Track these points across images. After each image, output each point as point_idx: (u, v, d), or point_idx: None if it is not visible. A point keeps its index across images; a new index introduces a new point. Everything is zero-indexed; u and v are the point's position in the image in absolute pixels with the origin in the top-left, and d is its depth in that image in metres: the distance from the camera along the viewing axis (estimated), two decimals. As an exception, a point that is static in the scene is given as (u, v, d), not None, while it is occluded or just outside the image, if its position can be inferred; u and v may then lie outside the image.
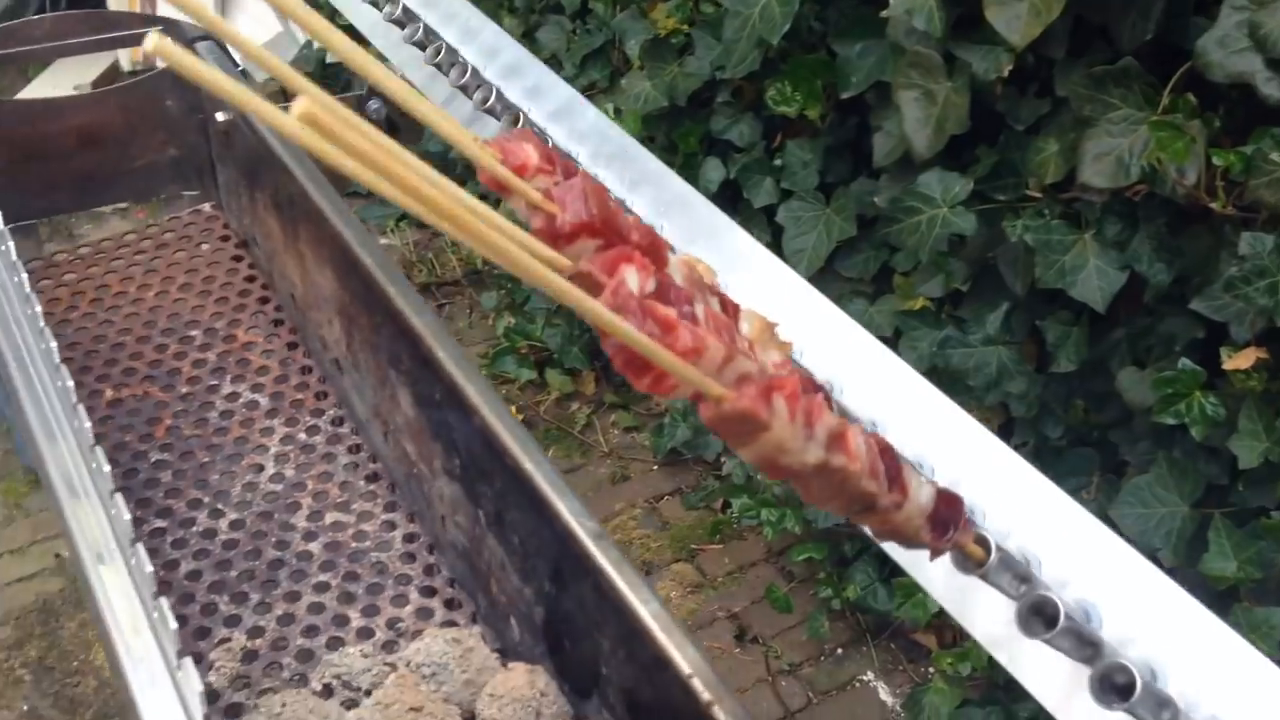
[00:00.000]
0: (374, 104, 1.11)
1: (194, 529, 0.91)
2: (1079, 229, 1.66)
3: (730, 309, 0.59)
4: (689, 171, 2.38)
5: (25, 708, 2.15)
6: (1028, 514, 0.61)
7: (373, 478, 0.96)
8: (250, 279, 1.11)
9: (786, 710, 2.25)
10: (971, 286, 1.95)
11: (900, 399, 0.67)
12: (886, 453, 0.55)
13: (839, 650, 2.34)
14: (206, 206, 1.20)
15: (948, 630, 2.28)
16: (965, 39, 1.69)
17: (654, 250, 0.55)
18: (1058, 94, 1.66)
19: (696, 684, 0.65)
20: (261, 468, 0.95)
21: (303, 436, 0.98)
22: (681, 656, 0.66)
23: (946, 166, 1.84)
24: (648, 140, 2.50)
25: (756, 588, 2.40)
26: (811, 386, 0.61)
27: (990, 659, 2.08)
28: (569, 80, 2.66)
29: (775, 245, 2.28)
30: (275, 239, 1.08)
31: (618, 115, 2.45)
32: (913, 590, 2.16)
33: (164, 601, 0.60)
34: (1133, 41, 1.52)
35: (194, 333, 1.06)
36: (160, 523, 0.90)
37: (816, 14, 2.07)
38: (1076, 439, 1.88)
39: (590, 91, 2.68)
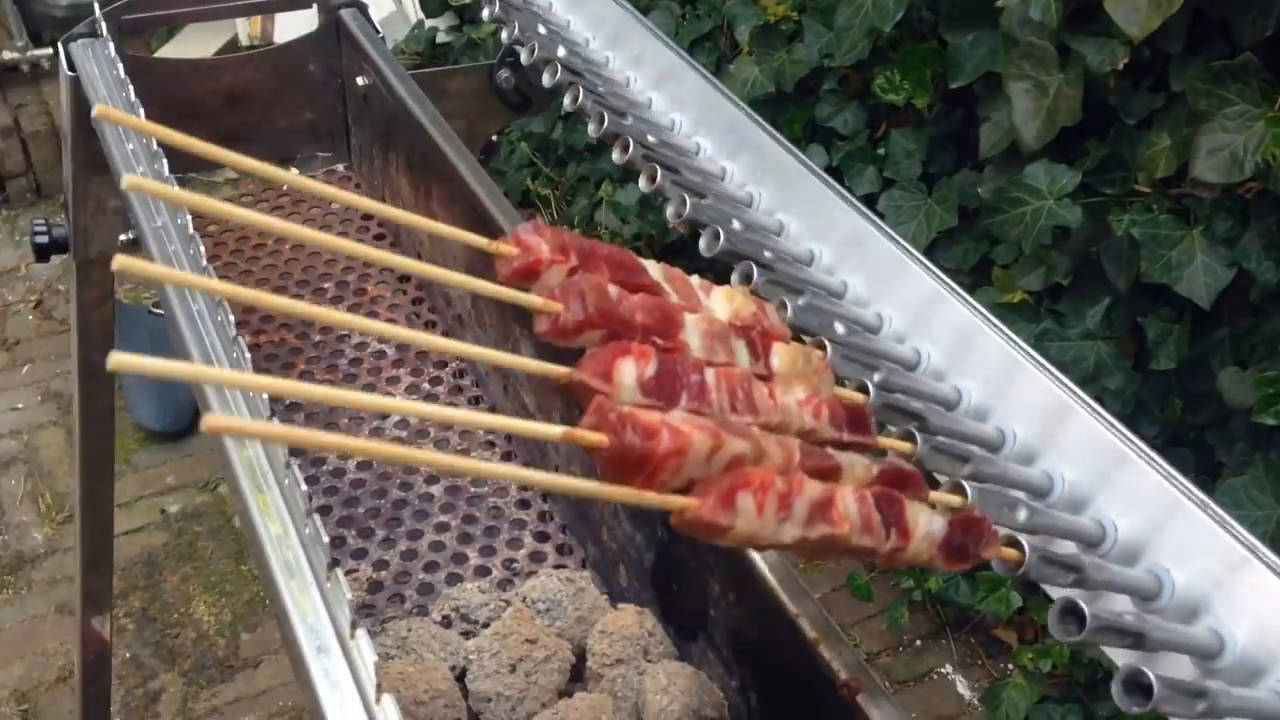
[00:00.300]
0: (503, 74, 1.16)
1: (324, 468, 0.97)
2: (1187, 225, 1.66)
3: (764, 346, 0.61)
4: (792, 157, 2.41)
5: (127, 655, 2.25)
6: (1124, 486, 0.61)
7: (475, 400, 1.01)
8: (379, 237, 1.17)
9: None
10: (1072, 280, 1.95)
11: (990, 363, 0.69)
12: (887, 500, 0.55)
13: (918, 642, 2.35)
14: (340, 167, 1.26)
15: (1029, 626, 2.28)
16: (1080, 31, 1.70)
17: (664, 321, 0.57)
18: (1172, 88, 1.65)
19: (803, 623, 0.68)
20: (387, 415, 1.00)
21: (426, 386, 1.03)
22: (789, 598, 0.69)
23: (1054, 159, 1.84)
24: (752, 125, 2.53)
25: (838, 575, 2.42)
26: (842, 416, 0.61)
27: (1072, 655, 2.08)
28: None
29: (875, 233, 2.29)
30: (406, 199, 1.13)
31: (723, 99, 2.49)
32: (995, 584, 2.17)
33: (316, 518, 0.65)
34: (1252, 38, 1.52)
35: (326, 285, 1.12)
36: (293, 460, 0.96)
37: (928, 3, 2.08)
38: (1172, 438, 1.87)
39: (696, 76, 2.71)
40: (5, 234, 3.16)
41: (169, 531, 2.52)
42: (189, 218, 0.85)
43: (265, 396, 0.71)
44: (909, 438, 0.64)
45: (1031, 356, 0.71)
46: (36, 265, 3.07)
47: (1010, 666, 2.22)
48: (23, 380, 2.82)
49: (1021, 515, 0.62)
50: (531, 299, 0.55)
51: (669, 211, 0.78)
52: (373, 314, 1.08)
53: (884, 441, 0.64)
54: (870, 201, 2.29)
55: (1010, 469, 0.66)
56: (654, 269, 0.63)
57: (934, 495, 0.60)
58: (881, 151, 2.27)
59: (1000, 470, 0.65)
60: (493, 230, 0.94)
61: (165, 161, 0.94)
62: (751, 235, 0.77)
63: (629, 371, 0.52)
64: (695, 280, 0.65)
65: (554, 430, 0.47)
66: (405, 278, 1.14)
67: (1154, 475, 0.61)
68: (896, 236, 0.78)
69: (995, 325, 0.72)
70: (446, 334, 1.09)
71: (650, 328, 0.57)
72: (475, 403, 1.03)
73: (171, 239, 0.86)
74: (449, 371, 1.06)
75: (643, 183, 0.80)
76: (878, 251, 0.77)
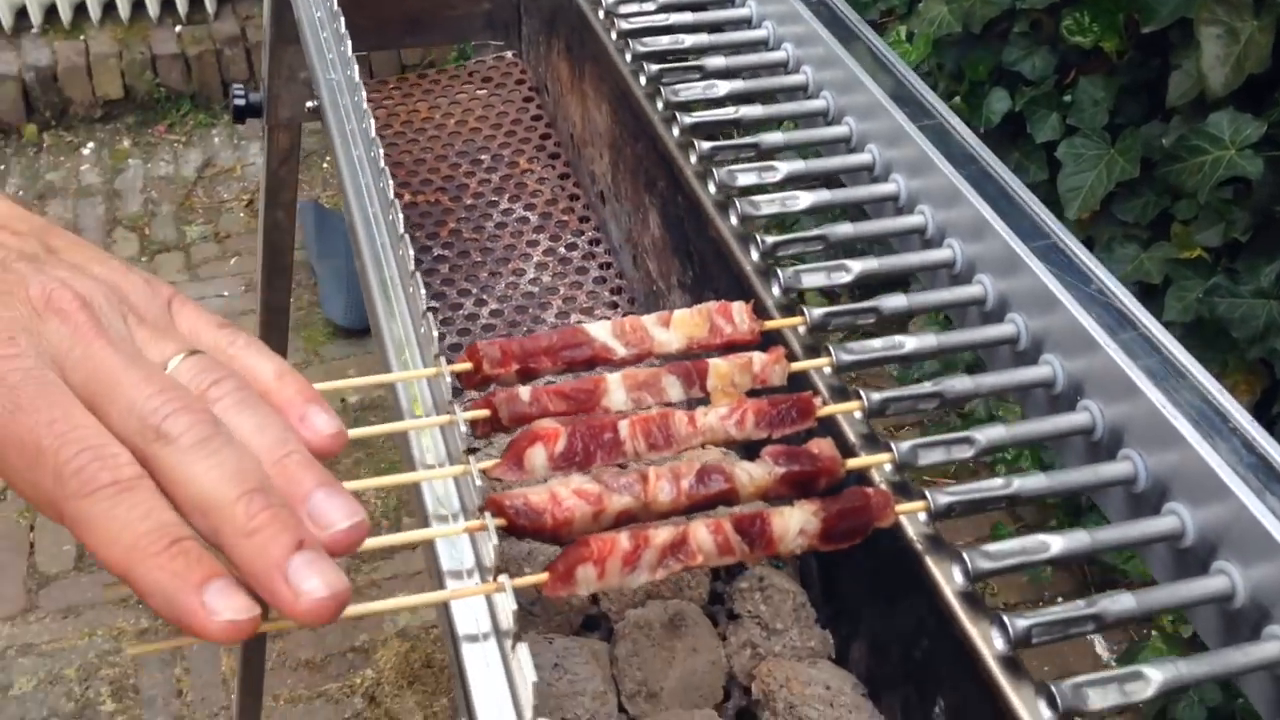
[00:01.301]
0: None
1: (460, 313, 1.05)
2: (1374, 180, 1.59)
3: (699, 372, 0.70)
4: (974, 100, 2.38)
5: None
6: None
7: (617, 290, 1.07)
8: (537, 118, 1.24)
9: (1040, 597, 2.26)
10: (1251, 238, 1.88)
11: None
12: (748, 522, 0.63)
13: (1059, 599, 2.33)
14: (509, 54, 1.33)
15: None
16: (1277, -28, 1.64)
17: (582, 398, 0.68)
18: (1372, 36, 1.58)
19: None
20: (523, 272, 1.08)
21: (562, 251, 1.10)
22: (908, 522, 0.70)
23: (1240, 108, 1.78)
24: (936, 68, 2.51)
25: (983, 525, 2.41)
26: (770, 415, 0.69)
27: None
28: (864, 6, 2.68)
29: (1050, 182, 2.26)
30: (563, 83, 1.20)
31: (909, 40, 2.47)
32: (1146, 548, 2.12)
33: (443, 360, 0.72)
34: None
35: (483, 158, 1.19)
36: (432, 302, 1.04)
37: (1127, -55, 2.03)
38: (1343, 408, 1.80)
39: (887, 18, 2.70)
40: (225, 137, 3.39)
41: (347, 419, 2.69)
42: (364, 93, 0.93)
43: (421, 288, 0.77)
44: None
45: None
46: (250, 167, 3.30)
47: (1150, 630, 2.18)
48: (230, 270, 3.05)
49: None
50: (460, 420, 0.67)
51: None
52: (521, 185, 1.15)
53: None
54: (1049, 149, 2.25)
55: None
56: (601, 330, 0.72)
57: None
58: (1068, 99, 2.23)
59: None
60: (631, 104, 0.99)
61: (349, 43, 1.03)
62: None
63: (539, 455, 0.64)
64: (651, 319, 0.73)
65: (456, 528, 0.62)
66: (554, 154, 1.21)
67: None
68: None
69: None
70: (587, 206, 1.15)
71: (568, 409, 0.68)
72: (605, 268, 1.09)
73: (349, 116, 0.94)
74: (585, 240, 1.12)
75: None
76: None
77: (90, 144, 3.27)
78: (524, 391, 0.70)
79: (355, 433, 0.64)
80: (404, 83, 1.30)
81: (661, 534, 0.63)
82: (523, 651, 0.57)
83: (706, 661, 0.76)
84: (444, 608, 0.63)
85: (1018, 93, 2.31)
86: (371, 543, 0.52)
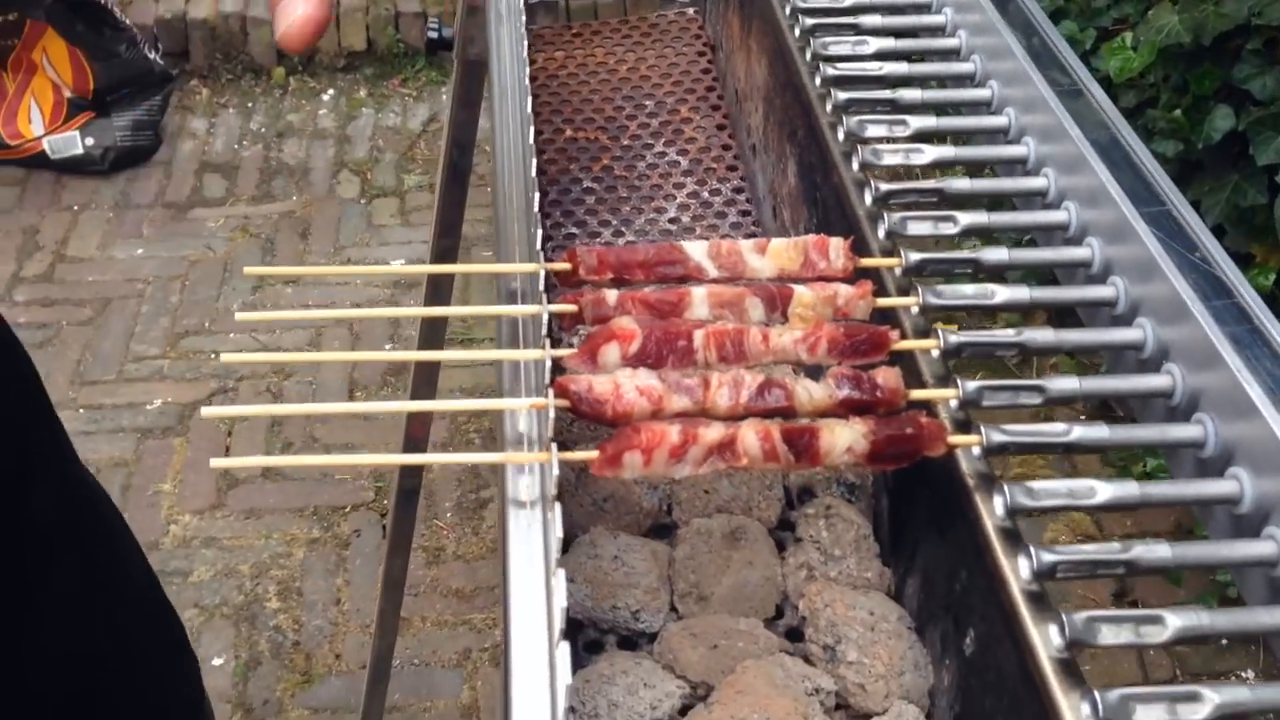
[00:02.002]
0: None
1: (597, 240, 1.10)
2: None
3: (783, 298, 0.73)
4: (1195, 114, 2.28)
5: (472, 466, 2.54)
6: None
7: (749, 237, 1.10)
8: (705, 71, 1.27)
9: (1146, 678, 2.17)
10: None
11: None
12: (797, 434, 0.65)
13: (1223, 641, 2.21)
14: (690, 10, 1.38)
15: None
16: None
17: (666, 308, 0.72)
18: None
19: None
20: (664, 211, 1.11)
21: (705, 195, 1.13)
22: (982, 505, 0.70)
23: None
24: (1161, 79, 2.41)
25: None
26: (843, 344, 0.72)
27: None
28: (1098, 13, 2.59)
29: (1267, 207, 2.14)
30: (734, 39, 1.23)
31: (1133, 49, 2.39)
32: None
33: (541, 256, 0.76)
34: None
35: (648, 103, 1.24)
36: (574, 229, 1.09)
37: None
38: None
39: (1121, 25, 2.61)
40: (434, 90, 3.52)
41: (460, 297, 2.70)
42: (525, 42, 0.98)
43: (535, 191, 0.82)
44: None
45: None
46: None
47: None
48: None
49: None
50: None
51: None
52: (679, 131, 1.19)
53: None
54: (1271, 172, 2.14)
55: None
56: (697, 250, 0.76)
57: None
58: (1296, 122, 2.11)
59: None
60: (785, 55, 1.01)
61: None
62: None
63: (613, 352, 0.69)
64: (747, 244, 0.77)
65: (523, 402, 0.67)
66: (715, 105, 1.24)
67: None
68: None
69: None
70: (737, 157, 1.18)
71: (650, 316, 0.72)
72: (744, 215, 1.12)
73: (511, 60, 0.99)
74: (729, 188, 1.15)
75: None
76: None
77: (330, 91, 3.49)
78: (611, 295, 0.74)
79: (458, 310, 0.70)
80: (585, 29, 1.35)
81: (711, 433, 0.66)
82: (559, 580, 0.59)
83: (761, 576, 0.78)
84: (501, 469, 0.67)
85: (1244, 112, 2.20)
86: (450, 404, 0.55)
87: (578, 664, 0.76)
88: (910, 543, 0.79)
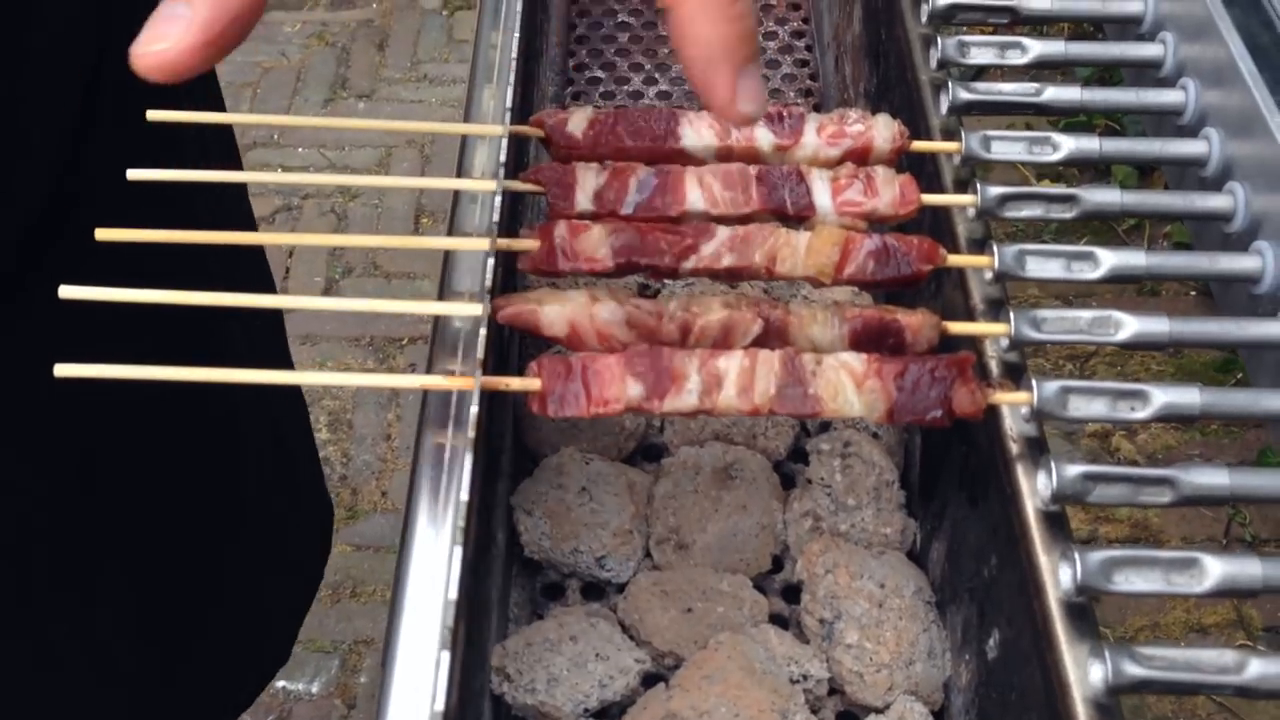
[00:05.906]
0: None
1: (625, 87, 0.94)
2: None
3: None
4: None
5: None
6: None
7: (805, 93, 0.93)
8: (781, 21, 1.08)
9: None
10: None
11: None
12: (796, 379, 0.50)
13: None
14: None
15: None
16: None
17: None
18: None
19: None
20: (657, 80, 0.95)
21: (758, 38, 0.96)
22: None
23: None
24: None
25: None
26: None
27: None
28: None
29: None
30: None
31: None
32: None
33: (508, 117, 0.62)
34: None
35: None
36: (599, 73, 0.93)
37: None
38: None
39: None
40: None
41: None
42: None
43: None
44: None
45: None
46: None
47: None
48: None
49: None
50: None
51: None
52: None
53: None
54: None
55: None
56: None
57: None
58: None
59: None
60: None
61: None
62: None
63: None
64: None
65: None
66: (796, 5, 1.05)
67: None
68: None
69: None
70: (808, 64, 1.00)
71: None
72: (801, 65, 0.95)
73: None
74: (788, 31, 0.97)
75: None
76: None
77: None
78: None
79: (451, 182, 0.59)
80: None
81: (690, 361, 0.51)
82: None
83: (755, 524, 0.65)
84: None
85: None
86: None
87: (534, 613, 0.65)
88: (941, 498, 0.65)
